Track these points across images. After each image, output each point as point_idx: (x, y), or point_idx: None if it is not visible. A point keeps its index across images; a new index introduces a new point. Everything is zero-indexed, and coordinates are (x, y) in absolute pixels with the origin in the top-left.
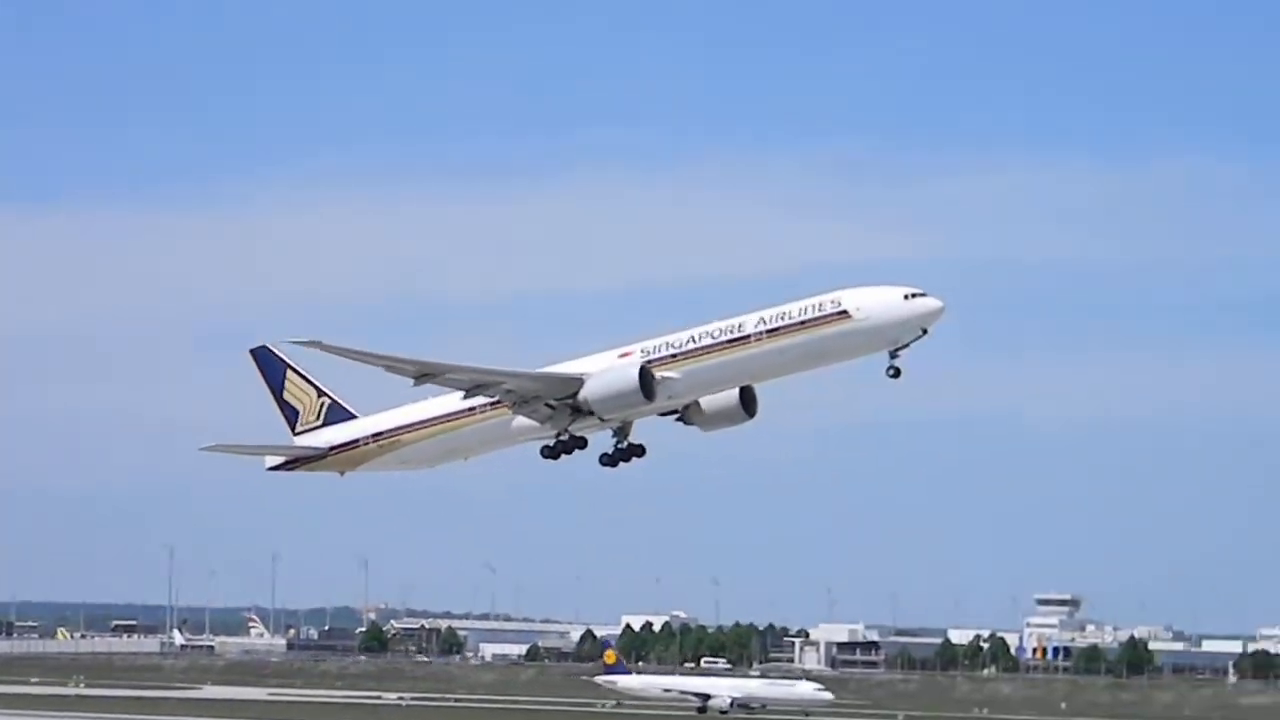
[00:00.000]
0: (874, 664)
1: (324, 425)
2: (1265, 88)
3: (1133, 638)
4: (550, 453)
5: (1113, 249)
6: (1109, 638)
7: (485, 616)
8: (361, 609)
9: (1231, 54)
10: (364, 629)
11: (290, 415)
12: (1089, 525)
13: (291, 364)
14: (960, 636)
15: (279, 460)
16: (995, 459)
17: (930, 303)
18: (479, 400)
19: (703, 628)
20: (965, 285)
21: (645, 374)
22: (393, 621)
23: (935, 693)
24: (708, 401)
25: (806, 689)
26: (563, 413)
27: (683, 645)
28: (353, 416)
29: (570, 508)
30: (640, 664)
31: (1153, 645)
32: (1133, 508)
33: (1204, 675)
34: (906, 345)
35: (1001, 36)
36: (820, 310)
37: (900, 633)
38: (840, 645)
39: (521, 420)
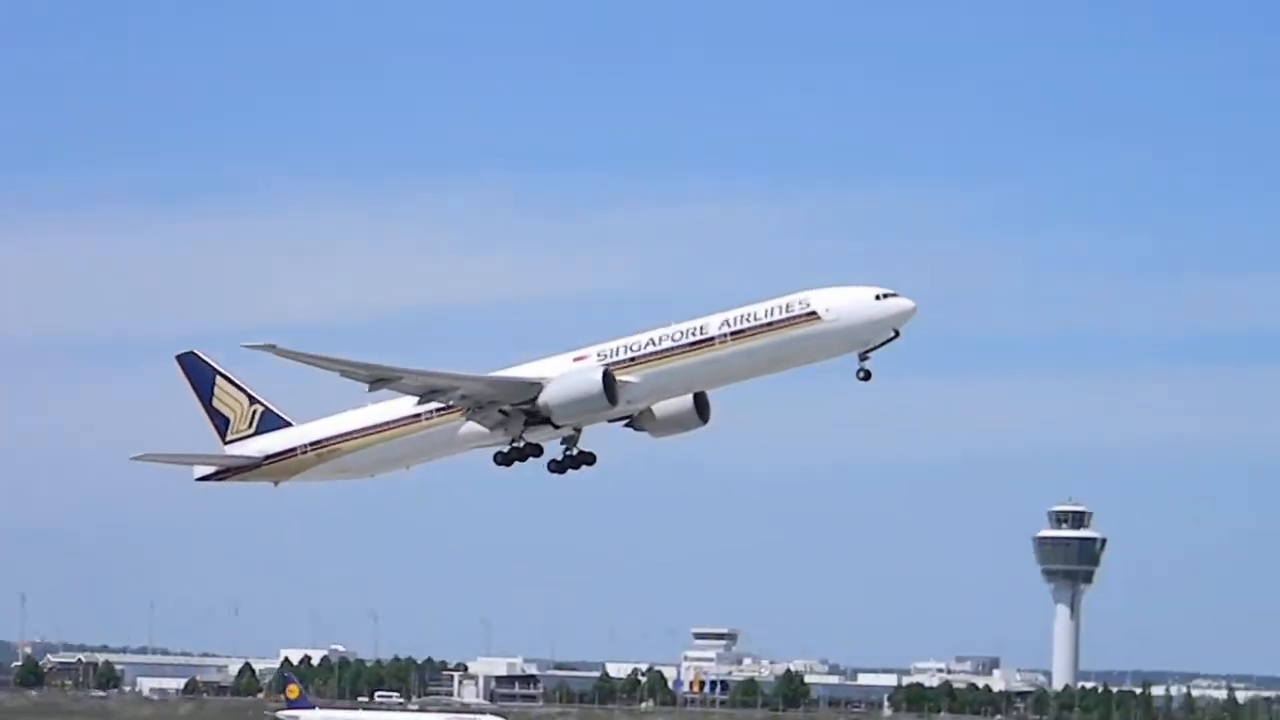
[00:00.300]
0: (532, 697)
1: (256, 433)
2: (915, 121)
3: (789, 671)
4: (504, 459)
5: (775, 284)
6: (766, 671)
7: (143, 650)
8: (17, 643)
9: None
10: (19, 663)
11: (220, 423)
12: (745, 560)
13: (221, 370)
14: (618, 670)
15: (209, 470)
16: (652, 495)
17: (903, 303)
18: (429, 406)
19: (361, 661)
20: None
21: (608, 378)
22: (49, 655)
23: None
24: (661, 407)
25: None
26: (516, 418)
27: (341, 679)
28: (287, 424)
29: (229, 540)
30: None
31: (809, 678)
32: (788, 544)
33: (859, 708)
34: (877, 347)
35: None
36: (788, 311)
37: (559, 666)
38: (499, 679)
39: (470, 427)
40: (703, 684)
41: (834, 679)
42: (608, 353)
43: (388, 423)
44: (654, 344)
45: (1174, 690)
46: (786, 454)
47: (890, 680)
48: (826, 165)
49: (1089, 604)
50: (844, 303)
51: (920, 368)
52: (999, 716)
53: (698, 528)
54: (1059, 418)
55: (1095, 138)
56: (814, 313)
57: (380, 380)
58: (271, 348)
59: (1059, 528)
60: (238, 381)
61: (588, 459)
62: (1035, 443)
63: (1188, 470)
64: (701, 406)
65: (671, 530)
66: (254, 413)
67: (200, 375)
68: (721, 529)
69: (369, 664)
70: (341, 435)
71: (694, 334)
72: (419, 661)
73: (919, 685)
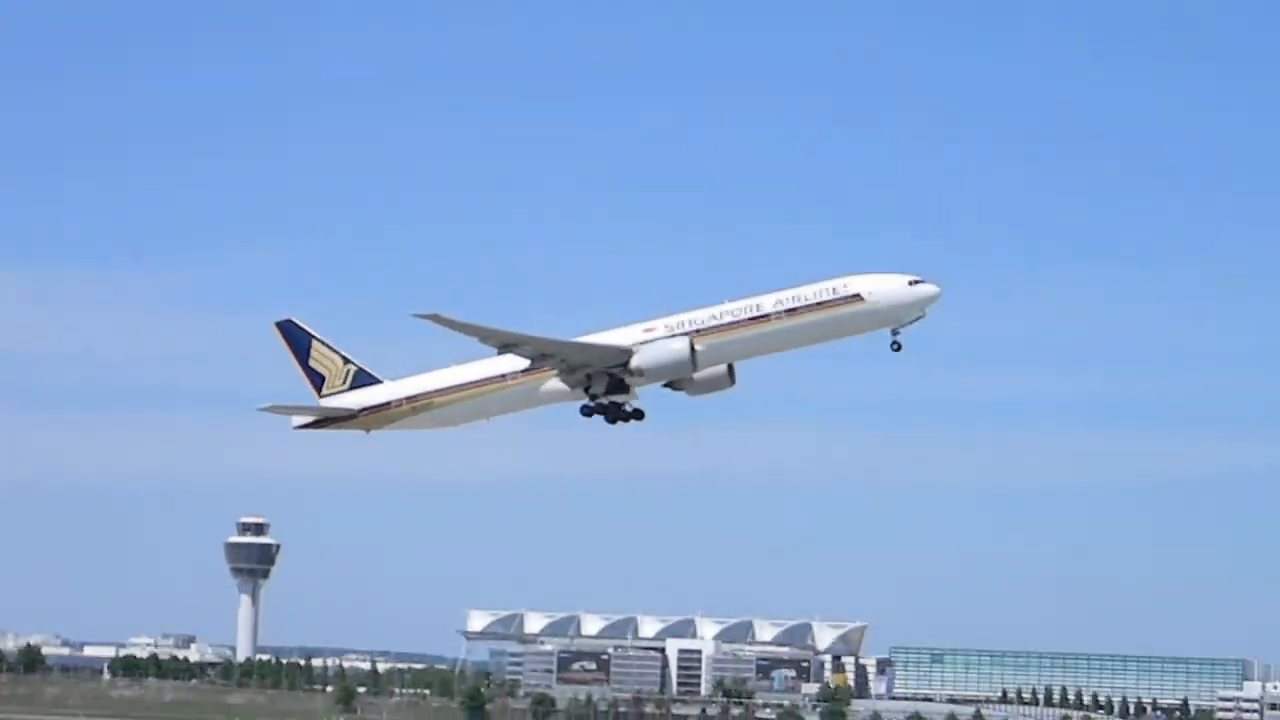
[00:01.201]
0: None
1: (350, 389)
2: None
3: (29, 644)
4: (587, 412)
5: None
6: (11, 643)
7: None
8: None
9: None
10: None
11: (317, 381)
12: None
13: (316, 335)
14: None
15: (307, 419)
16: None
17: (931, 289)
18: (516, 366)
19: None
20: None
21: (692, 347)
22: None
23: None
24: (702, 371)
25: None
26: (600, 379)
27: None
28: (378, 381)
29: None
30: None
31: (45, 650)
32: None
33: (85, 674)
34: (907, 325)
35: None
36: (835, 294)
37: None
38: None
39: (552, 385)
40: None
41: (65, 650)
42: (674, 325)
43: (476, 381)
44: (715, 318)
45: (330, 661)
46: None
47: (110, 651)
48: None
49: (267, 594)
50: (883, 287)
51: None
52: (194, 680)
53: None
54: None
55: None
56: (858, 295)
57: (507, 345)
58: (435, 316)
59: (244, 535)
60: (332, 344)
61: (638, 415)
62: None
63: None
64: (730, 371)
65: None
66: (348, 371)
67: (298, 339)
68: None
69: None
70: (435, 391)
71: (751, 311)
72: None
73: (133, 656)
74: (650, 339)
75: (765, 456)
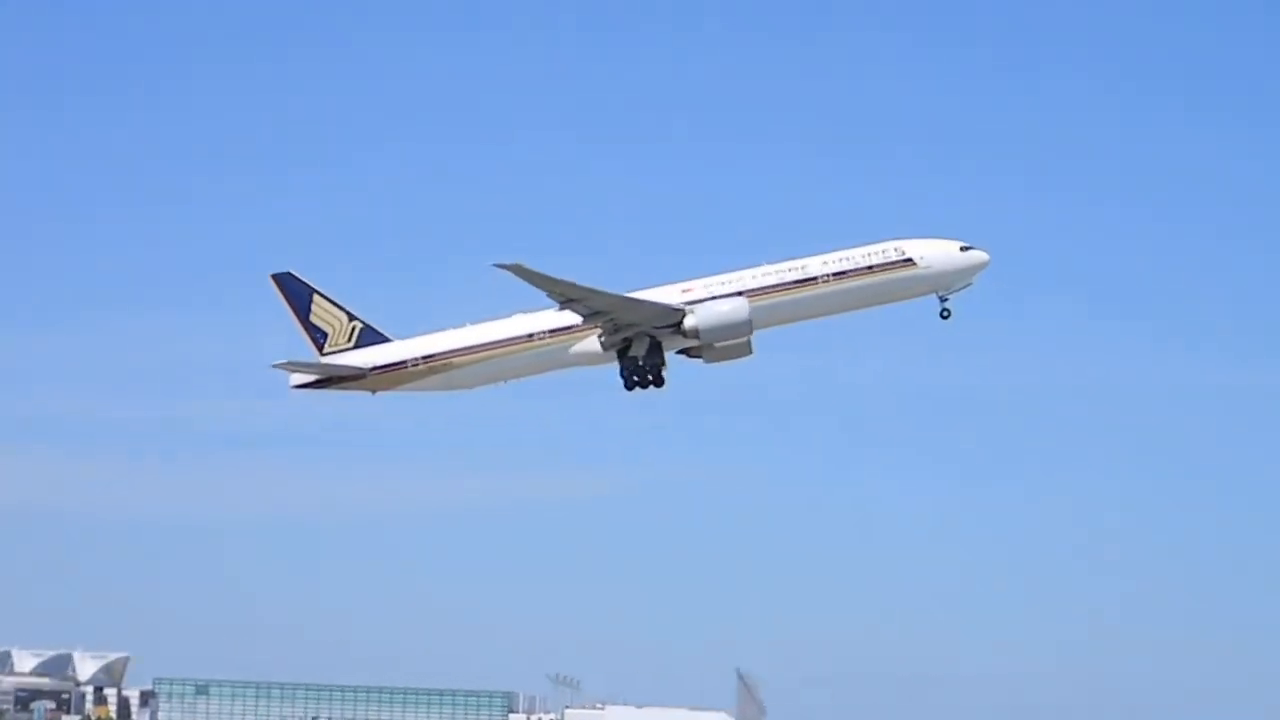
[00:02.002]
0: None
1: (355, 347)
2: None
3: None
4: (630, 383)
5: None
6: None
7: None
8: None
9: None
10: None
11: (318, 338)
12: None
13: (317, 289)
14: None
15: (308, 379)
16: None
17: (982, 255)
18: (540, 326)
19: None
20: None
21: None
22: None
23: None
24: (726, 340)
25: None
26: (643, 341)
27: None
28: (386, 339)
29: None
30: None
31: None
32: None
33: None
34: (956, 292)
35: None
36: (886, 257)
37: None
38: None
39: (583, 346)
40: None
41: None
42: (715, 286)
43: (500, 340)
44: (759, 280)
45: None
46: None
47: None
48: None
49: None
50: (935, 252)
51: None
52: None
53: None
54: None
55: None
56: (910, 259)
57: (570, 300)
58: (518, 267)
59: None
60: (335, 299)
61: (659, 382)
62: None
63: None
64: (750, 339)
65: None
66: (353, 329)
67: (297, 293)
68: None
69: None
70: (456, 350)
71: (796, 272)
72: None
73: None
74: (696, 299)
75: None
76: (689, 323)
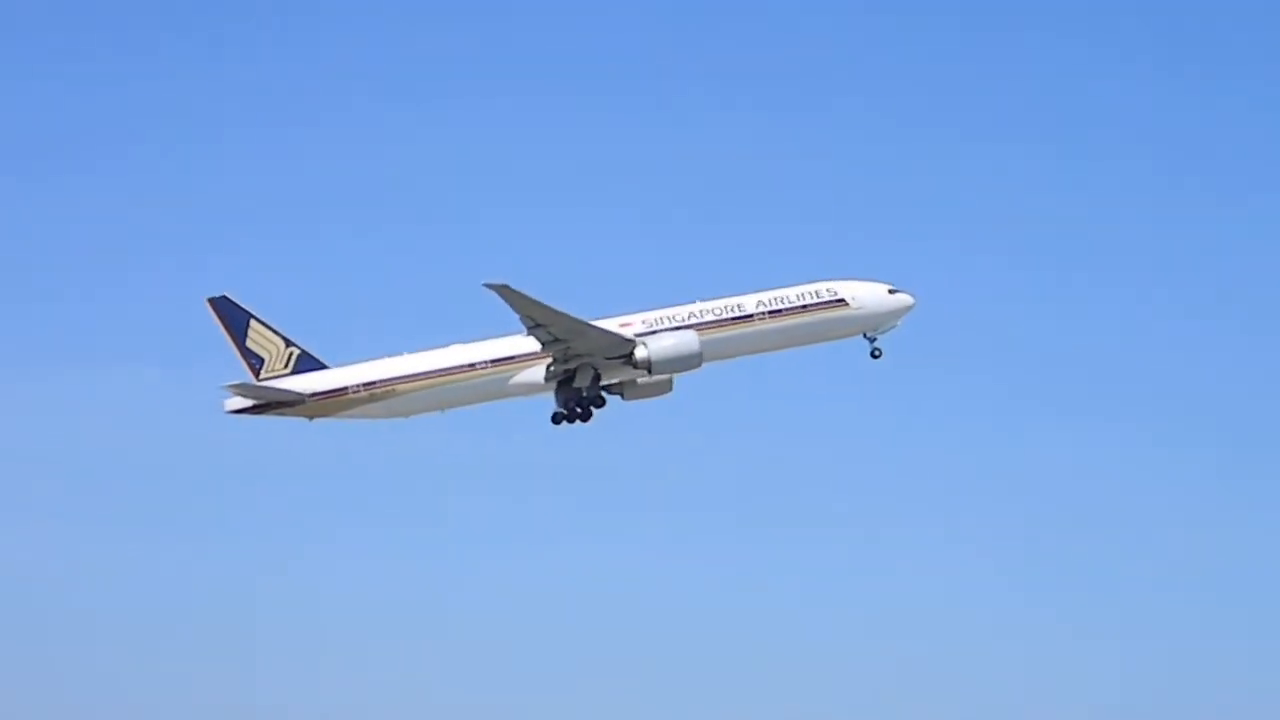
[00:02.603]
0: None
1: (293, 374)
2: None
3: None
4: (561, 416)
5: None
6: None
7: None
8: None
9: None
10: None
11: (255, 363)
12: None
13: (254, 314)
14: None
15: (246, 404)
16: None
17: (907, 298)
18: (480, 355)
19: None
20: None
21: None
22: None
23: None
24: (651, 376)
25: None
26: (587, 372)
27: None
28: (323, 366)
29: None
30: None
31: None
32: None
33: None
34: (883, 332)
35: None
36: (819, 297)
37: None
38: None
39: (525, 376)
40: None
41: None
42: (653, 321)
43: (442, 369)
44: (696, 316)
45: None
46: None
47: None
48: None
49: None
50: (865, 294)
51: None
52: None
53: None
54: None
55: None
56: (842, 300)
57: (538, 325)
58: (505, 288)
59: None
60: (272, 325)
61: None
62: None
63: None
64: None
65: None
66: (290, 354)
67: (234, 318)
68: None
69: None
70: (398, 378)
71: (733, 310)
72: None
73: None
74: (639, 333)
75: None
76: (640, 354)
